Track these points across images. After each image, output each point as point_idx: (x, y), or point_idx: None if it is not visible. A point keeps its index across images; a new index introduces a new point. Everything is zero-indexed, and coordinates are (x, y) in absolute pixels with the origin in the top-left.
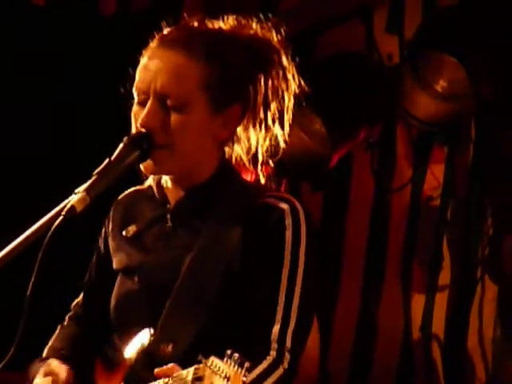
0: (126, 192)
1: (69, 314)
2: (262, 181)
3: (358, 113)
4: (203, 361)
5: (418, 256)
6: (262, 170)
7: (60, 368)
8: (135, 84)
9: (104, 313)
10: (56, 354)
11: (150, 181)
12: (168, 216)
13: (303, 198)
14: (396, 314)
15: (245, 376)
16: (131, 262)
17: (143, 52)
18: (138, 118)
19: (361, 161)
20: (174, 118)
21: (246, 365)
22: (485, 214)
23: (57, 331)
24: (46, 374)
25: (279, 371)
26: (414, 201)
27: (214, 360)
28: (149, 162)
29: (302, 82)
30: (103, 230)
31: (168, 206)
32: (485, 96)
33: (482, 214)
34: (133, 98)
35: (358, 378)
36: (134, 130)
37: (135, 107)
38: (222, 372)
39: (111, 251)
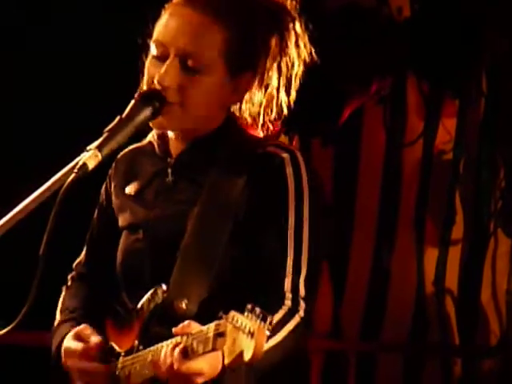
0: (126, 149)
1: (71, 275)
2: (270, 134)
3: (369, 66)
4: (224, 316)
5: (430, 210)
6: (264, 129)
7: (88, 333)
8: (155, 37)
9: (110, 270)
10: (72, 313)
11: (150, 137)
12: (169, 170)
13: (314, 153)
14: (409, 269)
15: (268, 330)
16: (135, 218)
17: (165, 6)
18: (153, 72)
19: (372, 115)
20: (191, 79)
21: (269, 319)
22: (497, 167)
23: (63, 293)
24: (76, 339)
25: (296, 319)
26: (425, 155)
27: (235, 315)
28: (159, 117)
29: (313, 52)
30: (104, 186)
31: (169, 159)
32: (497, 49)
33: (494, 167)
34: (146, 53)
35: (371, 331)
36: (145, 82)
37: (151, 60)
38: (245, 327)
39: (115, 210)
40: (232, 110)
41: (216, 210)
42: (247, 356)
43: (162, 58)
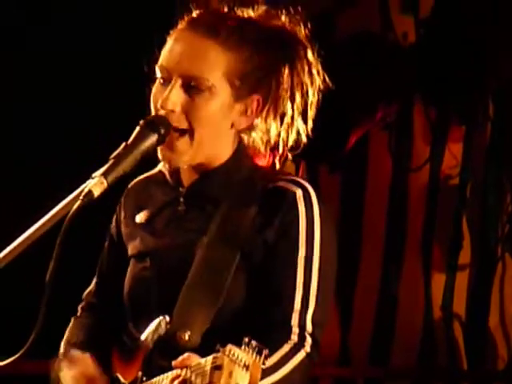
0: (137, 179)
1: (81, 305)
2: (277, 164)
3: (375, 93)
4: (221, 349)
5: (437, 235)
6: (278, 154)
7: (84, 357)
8: (159, 62)
9: (118, 300)
10: (73, 347)
11: (161, 166)
12: (181, 199)
13: (321, 179)
14: (417, 294)
15: (263, 364)
16: (144, 246)
17: (171, 32)
18: (157, 97)
19: (378, 141)
20: (195, 101)
21: (265, 352)
22: (503, 191)
23: (71, 323)
24: (72, 366)
25: (301, 355)
26: (432, 180)
27: (231, 348)
28: (167, 151)
29: (327, 78)
30: (115, 217)
31: (181, 189)
32: (502, 74)
33: (501, 191)
34: (153, 81)
35: (379, 356)
36: (152, 111)
37: (156, 86)
38: (241, 360)
39: (124, 239)
40: (244, 140)
41: (224, 241)
42: None
43: (166, 83)
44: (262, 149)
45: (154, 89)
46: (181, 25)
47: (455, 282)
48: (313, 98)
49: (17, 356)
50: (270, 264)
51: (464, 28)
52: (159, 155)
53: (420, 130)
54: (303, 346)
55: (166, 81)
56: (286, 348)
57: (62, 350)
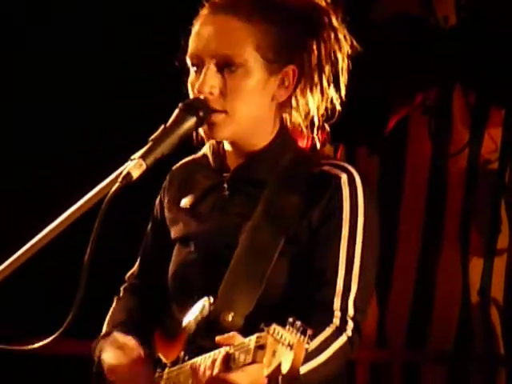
0: (181, 162)
1: (124, 286)
2: (318, 146)
3: (415, 76)
4: (265, 329)
5: (476, 220)
6: (318, 135)
7: (127, 340)
8: (189, 51)
9: (161, 282)
10: (116, 327)
11: (205, 149)
12: (225, 184)
13: (360, 162)
14: (454, 279)
15: (307, 343)
16: (188, 230)
17: (194, 21)
18: (194, 83)
19: (418, 125)
20: (230, 81)
21: (309, 332)
22: None
23: (113, 304)
24: (115, 348)
25: (343, 339)
26: (471, 164)
27: (276, 328)
28: (207, 127)
29: (355, 42)
30: (158, 200)
31: (225, 174)
32: None
33: None
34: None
35: (416, 341)
36: (191, 95)
37: (191, 76)
38: (285, 340)
39: (168, 223)
40: (286, 121)
41: (269, 225)
42: (285, 368)
43: (199, 69)
44: (304, 127)
45: (190, 79)
46: (203, 11)
47: (493, 267)
48: (343, 64)
49: (55, 336)
50: (313, 248)
51: (505, 12)
52: (201, 134)
53: (459, 114)
54: (345, 329)
55: (199, 67)
56: (327, 332)
57: (104, 331)
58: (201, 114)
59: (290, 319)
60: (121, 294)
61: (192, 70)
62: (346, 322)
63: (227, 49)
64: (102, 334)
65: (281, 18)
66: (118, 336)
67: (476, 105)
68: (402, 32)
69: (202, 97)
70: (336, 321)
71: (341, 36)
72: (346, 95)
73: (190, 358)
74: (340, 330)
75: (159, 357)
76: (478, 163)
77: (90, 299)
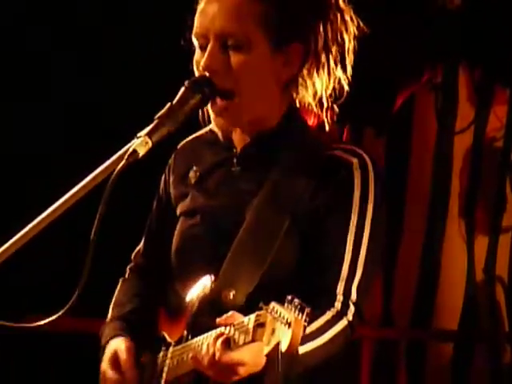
0: (185, 140)
1: (130, 266)
2: (327, 126)
3: (421, 54)
4: (264, 307)
5: (481, 198)
6: (326, 115)
7: (121, 354)
8: (194, 30)
9: (166, 261)
10: (120, 314)
11: (211, 125)
12: (234, 160)
13: (366, 142)
14: (459, 256)
15: (305, 321)
16: (195, 204)
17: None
18: (199, 61)
19: (424, 103)
20: (235, 58)
21: (307, 310)
22: None
23: (119, 285)
24: (110, 360)
25: (343, 323)
26: (477, 142)
27: (274, 306)
28: (220, 119)
29: (361, 23)
30: (163, 178)
31: (234, 150)
32: None
33: None
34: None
35: (422, 319)
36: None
37: (196, 54)
38: (284, 318)
39: (174, 200)
40: (295, 100)
41: (276, 204)
42: (284, 346)
43: (204, 47)
44: (314, 106)
45: (195, 57)
46: None
47: (498, 245)
48: (349, 45)
49: (60, 313)
50: (321, 231)
51: None
52: (213, 123)
53: (465, 93)
54: (346, 314)
55: (204, 46)
56: (328, 315)
57: (110, 315)
58: (206, 91)
59: (289, 297)
60: (126, 275)
61: (197, 48)
62: (348, 307)
63: (231, 27)
64: (108, 318)
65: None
66: (116, 348)
67: (482, 83)
68: (408, 10)
69: (207, 74)
70: (338, 305)
71: (347, 17)
72: (352, 75)
73: (193, 337)
74: (341, 314)
75: (164, 335)
76: (484, 141)
77: (97, 277)
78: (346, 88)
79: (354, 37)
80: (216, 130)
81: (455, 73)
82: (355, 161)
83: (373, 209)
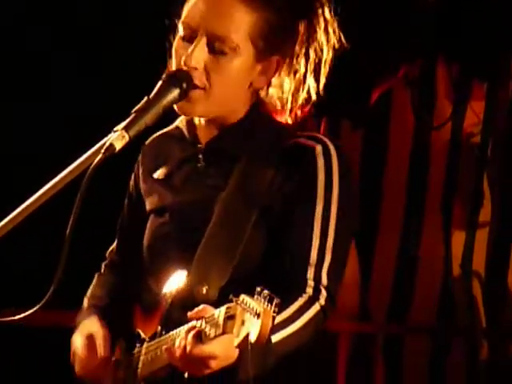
0: (153, 136)
1: (105, 262)
2: (292, 122)
3: (398, 49)
4: (234, 299)
5: (458, 192)
6: (291, 116)
7: (97, 330)
8: (183, 19)
9: (139, 257)
10: (95, 303)
11: (178, 122)
12: (200, 156)
13: (343, 135)
14: (437, 251)
15: (274, 312)
16: (162, 202)
17: None
18: (180, 53)
19: (401, 98)
20: (218, 61)
21: (276, 301)
22: None
23: (94, 280)
24: (84, 334)
25: (315, 308)
26: (454, 138)
27: (244, 298)
28: (184, 102)
29: (343, 38)
30: (133, 174)
31: (199, 145)
32: None
33: None
34: (174, 34)
35: (399, 314)
36: (174, 65)
37: (178, 42)
38: (253, 309)
39: (143, 194)
40: (261, 95)
41: (243, 196)
42: (253, 337)
43: (189, 40)
44: (278, 105)
45: (176, 44)
46: None
47: (475, 240)
48: (327, 56)
49: (36, 308)
50: (288, 219)
51: None
52: (175, 106)
53: (443, 88)
54: (318, 299)
55: (190, 38)
56: (300, 301)
57: (84, 304)
58: (184, 85)
59: (258, 288)
60: (102, 270)
61: (180, 35)
62: (320, 291)
63: (223, 30)
64: (82, 308)
65: (278, 5)
66: (91, 324)
67: (459, 78)
68: (384, 4)
69: (186, 69)
70: (309, 290)
71: (330, 29)
72: (329, 68)
73: (166, 332)
74: (313, 299)
75: (138, 332)
76: (461, 136)
77: (73, 271)
78: (314, 98)
79: (334, 49)
80: (182, 125)
81: (433, 68)
82: (318, 147)
83: (338, 194)
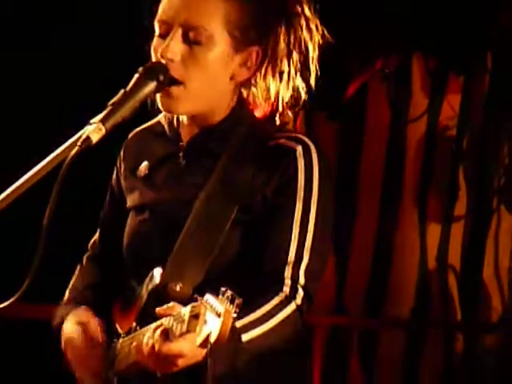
0: (135, 130)
1: (87, 254)
2: (277, 122)
3: (374, 42)
4: (199, 299)
5: (434, 186)
6: (280, 118)
7: (90, 318)
8: (158, 17)
9: (119, 253)
10: (77, 296)
11: (160, 117)
12: (181, 154)
13: (319, 128)
14: (412, 245)
15: (235, 312)
16: (143, 199)
17: None
18: (157, 48)
19: (377, 91)
20: (194, 51)
21: (237, 301)
22: (500, 143)
23: (76, 272)
24: (77, 322)
25: (291, 307)
26: (430, 131)
27: (208, 298)
28: (165, 98)
29: (326, 33)
30: (115, 169)
31: (181, 143)
32: (502, 24)
33: (498, 143)
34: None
35: (374, 307)
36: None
37: (156, 40)
38: (215, 309)
39: (124, 191)
40: (244, 95)
41: (222, 194)
42: (213, 336)
43: (165, 35)
44: (264, 104)
45: (154, 43)
46: None
47: (450, 233)
48: (313, 54)
49: (12, 300)
50: (267, 219)
51: None
52: (158, 103)
53: (419, 81)
54: (294, 298)
55: (166, 33)
56: (276, 300)
57: (65, 298)
58: (161, 78)
59: (223, 289)
60: (83, 263)
61: (157, 34)
62: (297, 291)
63: (196, 20)
64: (63, 300)
65: None
66: (83, 312)
67: (435, 71)
68: None
69: (163, 61)
70: (286, 289)
71: (312, 26)
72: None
73: (141, 328)
74: (289, 298)
75: (116, 327)
76: (437, 130)
77: (51, 264)
78: (304, 97)
79: (319, 46)
80: (163, 122)
81: (409, 61)
82: (299, 148)
83: (318, 194)
